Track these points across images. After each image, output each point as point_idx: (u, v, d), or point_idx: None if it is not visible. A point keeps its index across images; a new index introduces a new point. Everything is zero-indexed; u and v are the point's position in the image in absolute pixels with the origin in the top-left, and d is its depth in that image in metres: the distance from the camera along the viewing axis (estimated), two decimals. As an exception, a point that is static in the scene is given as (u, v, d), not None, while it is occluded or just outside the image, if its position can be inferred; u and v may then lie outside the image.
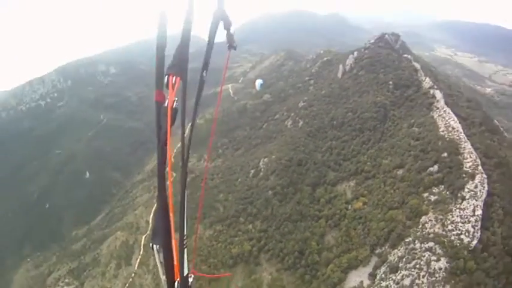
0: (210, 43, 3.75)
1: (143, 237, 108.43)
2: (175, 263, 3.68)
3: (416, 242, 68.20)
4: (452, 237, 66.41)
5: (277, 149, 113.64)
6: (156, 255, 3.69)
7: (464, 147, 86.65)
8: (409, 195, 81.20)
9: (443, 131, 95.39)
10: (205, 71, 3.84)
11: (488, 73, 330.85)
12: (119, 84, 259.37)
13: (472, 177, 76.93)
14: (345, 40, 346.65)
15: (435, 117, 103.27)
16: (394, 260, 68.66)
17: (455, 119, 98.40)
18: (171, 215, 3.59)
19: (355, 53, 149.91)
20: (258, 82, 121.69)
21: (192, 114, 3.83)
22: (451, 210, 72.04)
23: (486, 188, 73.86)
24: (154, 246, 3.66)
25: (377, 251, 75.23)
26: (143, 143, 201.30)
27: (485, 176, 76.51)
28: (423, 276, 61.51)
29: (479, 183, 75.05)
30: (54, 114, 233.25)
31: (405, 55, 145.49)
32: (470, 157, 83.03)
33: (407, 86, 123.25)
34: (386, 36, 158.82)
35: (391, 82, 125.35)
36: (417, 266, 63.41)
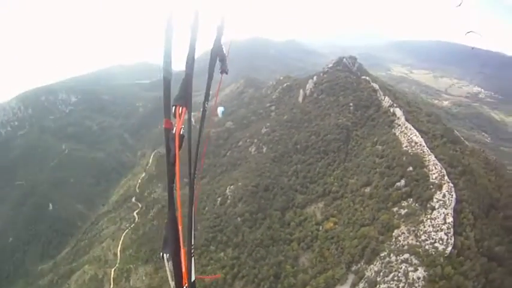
0: (210, 77, 4.34)
1: (112, 270, 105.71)
2: (183, 270, 4.06)
3: (392, 255, 69.90)
4: (427, 247, 68.89)
5: (243, 176, 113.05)
6: (166, 263, 4.09)
7: (428, 160, 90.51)
8: (379, 211, 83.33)
9: (406, 147, 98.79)
10: (206, 102, 4.46)
11: (444, 87, 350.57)
12: (80, 114, 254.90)
13: (439, 187, 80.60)
14: (303, 65, 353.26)
15: (397, 134, 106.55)
16: (371, 275, 69.66)
17: (417, 133, 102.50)
18: (179, 227, 4.00)
19: (315, 78, 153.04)
20: (220, 109, 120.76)
21: (197, 140, 4.32)
22: (422, 221, 74.82)
23: (454, 196, 77.50)
24: (165, 255, 4.11)
25: (353, 268, 75.90)
26: (106, 173, 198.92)
27: (451, 184, 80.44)
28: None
29: (447, 192, 78.70)
30: (15, 143, 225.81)
31: (363, 77, 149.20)
32: (436, 168, 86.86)
33: (368, 106, 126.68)
34: (344, 59, 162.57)
35: (351, 104, 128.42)
36: (395, 278, 64.89)
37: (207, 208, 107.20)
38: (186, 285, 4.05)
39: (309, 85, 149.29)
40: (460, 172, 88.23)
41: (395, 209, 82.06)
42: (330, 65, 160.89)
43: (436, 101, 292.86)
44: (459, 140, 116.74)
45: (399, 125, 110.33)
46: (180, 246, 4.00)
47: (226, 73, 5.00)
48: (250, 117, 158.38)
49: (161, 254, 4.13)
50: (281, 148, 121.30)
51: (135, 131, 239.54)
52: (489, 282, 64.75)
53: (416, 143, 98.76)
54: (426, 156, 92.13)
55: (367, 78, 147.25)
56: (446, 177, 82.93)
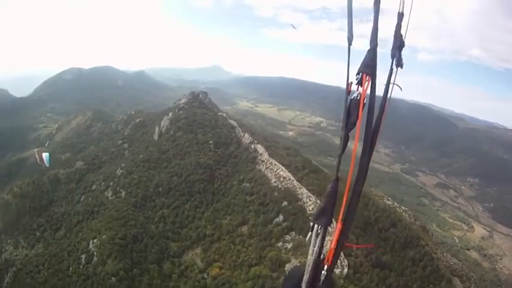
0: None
1: None
2: (331, 247, 3.52)
3: (291, 289, 69.69)
4: (324, 273, 71.32)
5: (105, 226, 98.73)
6: (314, 236, 3.54)
7: (301, 193, 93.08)
8: (264, 249, 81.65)
9: (275, 182, 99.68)
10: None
11: (288, 119, 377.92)
12: None
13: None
14: (151, 99, 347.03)
15: (263, 170, 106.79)
16: (280, 313, 68.27)
17: (283, 168, 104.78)
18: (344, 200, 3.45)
19: (170, 114, 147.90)
20: (45, 156, 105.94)
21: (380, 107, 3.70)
22: (311, 251, 76.46)
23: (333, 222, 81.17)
24: (316, 225, 3.55)
25: (254, 310, 73.17)
26: None
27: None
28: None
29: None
30: None
31: (220, 113, 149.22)
32: (310, 200, 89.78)
33: (228, 143, 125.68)
34: (200, 95, 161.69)
35: (211, 141, 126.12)
36: (304, 309, 65.40)
37: (71, 268, 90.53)
38: (328, 265, 3.48)
39: (165, 122, 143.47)
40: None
41: (280, 244, 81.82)
42: (184, 100, 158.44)
43: (281, 132, 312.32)
44: (318, 168, 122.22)
45: (263, 161, 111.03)
46: (330, 221, 3.51)
47: (401, 67, 3.98)
48: (102, 157, 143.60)
49: (312, 224, 3.55)
50: (141, 192, 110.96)
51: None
52: (388, 287, 73.54)
53: (284, 177, 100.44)
54: (298, 189, 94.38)
55: (224, 114, 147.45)
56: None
